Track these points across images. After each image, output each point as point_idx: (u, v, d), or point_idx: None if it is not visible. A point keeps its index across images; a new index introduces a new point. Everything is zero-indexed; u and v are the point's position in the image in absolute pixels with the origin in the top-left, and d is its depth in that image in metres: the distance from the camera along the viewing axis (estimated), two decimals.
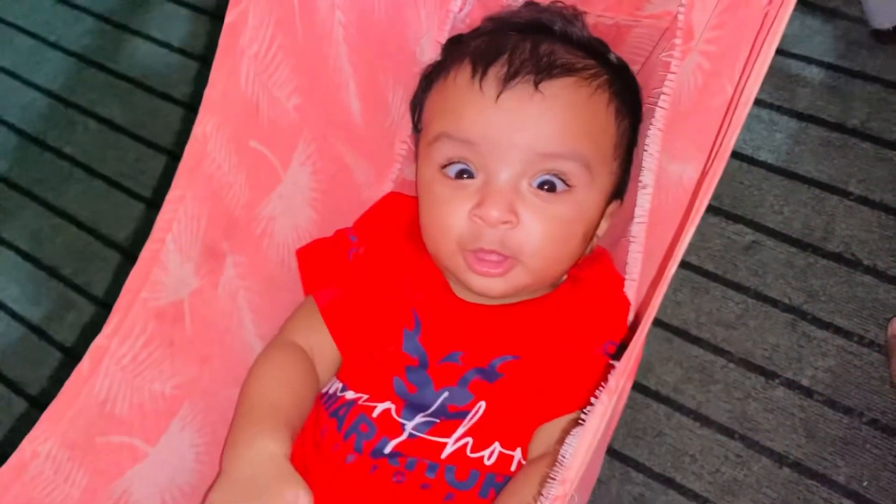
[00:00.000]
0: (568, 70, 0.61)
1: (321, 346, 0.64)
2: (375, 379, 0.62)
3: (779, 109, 0.94)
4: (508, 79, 0.60)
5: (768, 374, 0.82)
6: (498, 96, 0.60)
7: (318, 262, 0.68)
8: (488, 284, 0.61)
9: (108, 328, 0.50)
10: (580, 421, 0.42)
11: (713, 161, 0.44)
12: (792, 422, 0.80)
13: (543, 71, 0.60)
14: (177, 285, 0.55)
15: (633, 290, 0.62)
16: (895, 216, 0.86)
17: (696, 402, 0.83)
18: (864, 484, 0.76)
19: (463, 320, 0.63)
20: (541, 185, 0.60)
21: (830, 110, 0.92)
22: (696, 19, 0.58)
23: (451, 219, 0.61)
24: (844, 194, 0.88)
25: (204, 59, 1.21)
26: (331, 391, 0.64)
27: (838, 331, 0.83)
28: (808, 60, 0.96)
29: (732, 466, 0.80)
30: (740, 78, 0.48)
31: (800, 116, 0.93)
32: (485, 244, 0.60)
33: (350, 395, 0.62)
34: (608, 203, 0.65)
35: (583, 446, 0.40)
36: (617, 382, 0.42)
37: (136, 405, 0.53)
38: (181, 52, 1.24)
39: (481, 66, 0.61)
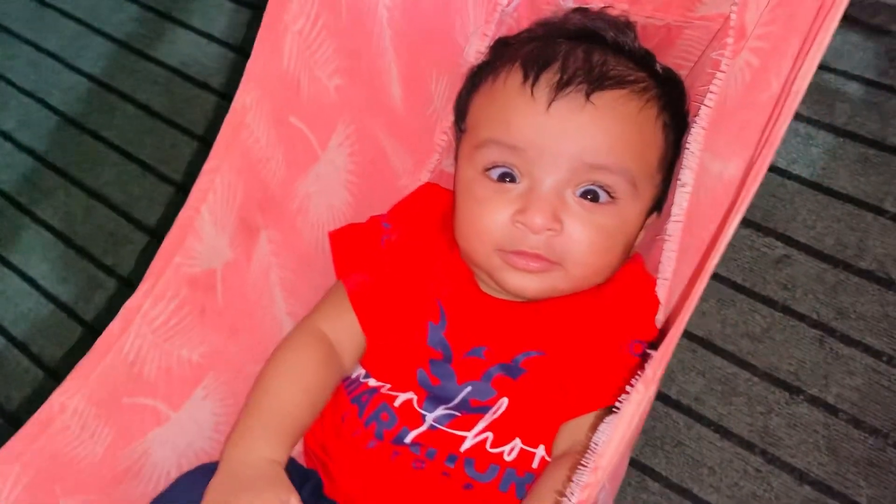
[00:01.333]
0: (620, 82, 0.61)
1: (348, 331, 0.64)
2: (399, 369, 0.62)
3: (816, 124, 0.93)
4: (561, 87, 0.59)
5: (793, 390, 0.81)
6: (549, 104, 0.59)
7: (351, 246, 0.67)
8: (524, 282, 0.61)
9: (140, 290, 0.50)
10: (614, 409, 0.41)
11: (760, 153, 0.43)
12: (815, 439, 0.78)
13: (595, 81, 0.60)
14: (210, 254, 0.54)
15: (664, 289, 0.61)
16: None
17: (718, 414, 0.82)
18: None
19: (487, 315, 0.63)
20: (584, 195, 0.60)
21: (869, 126, 0.91)
22: (749, 18, 0.57)
23: (491, 220, 0.61)
24: (880, 212, 0.86)
25: (243, 50, 1.22)
26: (353, 376, 0.64)
27: (867, 349, 0.81)
28: (848, 76, 0.95)
29: (752, 481, 0.78)
30: (791, 70, 0.48)
31: (837, 132, 0.91)
32: (527, 248, 0.59)
33: (372, 382, 0.62)
34: (648, 215, 0.65)
35: (617, 434, 0.40)
36: (654, 371, 0.41)
37: (164, 369, 0.53)
38: (221, 42, 1.25)
39: (533, 72, 0.61)
